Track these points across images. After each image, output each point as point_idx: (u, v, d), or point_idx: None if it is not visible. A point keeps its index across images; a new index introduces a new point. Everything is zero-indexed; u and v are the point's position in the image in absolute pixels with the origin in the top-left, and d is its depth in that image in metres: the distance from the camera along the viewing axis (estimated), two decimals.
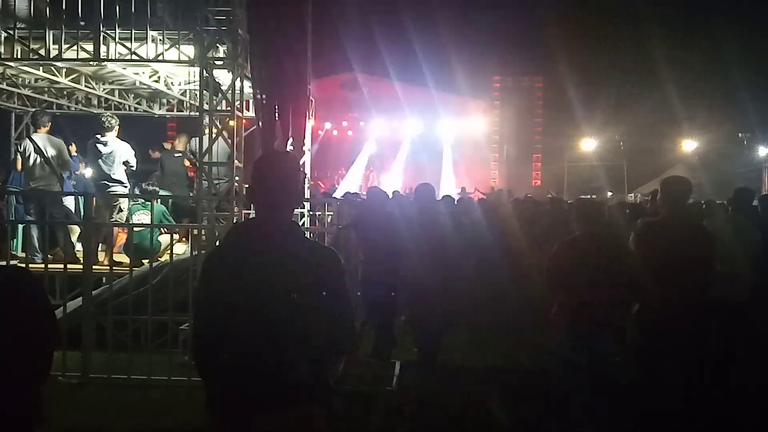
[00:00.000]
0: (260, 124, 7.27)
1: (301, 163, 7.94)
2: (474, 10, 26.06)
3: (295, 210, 7.50)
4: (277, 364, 2.33)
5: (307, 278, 2.37)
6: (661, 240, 4.38)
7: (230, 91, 7.13)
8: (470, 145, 22.66)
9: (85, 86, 9.43)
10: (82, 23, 7.35)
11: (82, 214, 7.59)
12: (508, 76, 24.02)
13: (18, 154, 8.75)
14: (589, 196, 18.09)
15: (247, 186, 2.56)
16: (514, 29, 25.53)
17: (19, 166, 8.79)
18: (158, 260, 7.10)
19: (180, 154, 9.97)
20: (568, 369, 4.46)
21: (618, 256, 4.38)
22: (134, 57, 7.37)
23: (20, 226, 8.16)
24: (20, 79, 9.45)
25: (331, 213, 8.69)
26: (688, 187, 4.64)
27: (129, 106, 11.26)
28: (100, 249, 7.95)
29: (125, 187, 8.39)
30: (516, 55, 25.29)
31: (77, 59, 7.52)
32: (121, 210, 8.20)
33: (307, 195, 9.13)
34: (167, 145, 11.29)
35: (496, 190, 17.01)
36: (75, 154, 10.41)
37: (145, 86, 9.73)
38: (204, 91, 7.14)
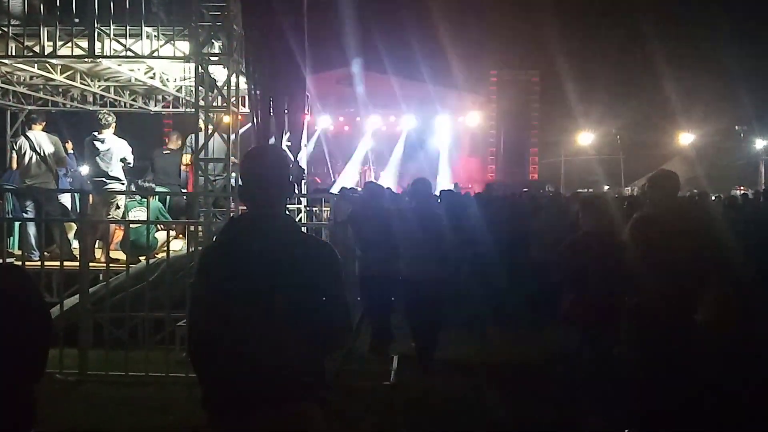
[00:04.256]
0: (255, 119, 7.26)
1: (298, 158, 7.94)
2: (470, 4, 26.00)
3: (290, 204, 7.48)
4: (274, 360, 2.33)
5: (304, 273, 2.36)
6: (657, 234, 4.38)
7: (226, 87, 7.11)
8: (467, 140, 22.67)
9: (81, 83, 9.38)
10: (77, 20, 7.30)
11: (78, 211, 7.57)
12: (504, 70, 24.01)
13: (13, 151, 8.71)
14: (586, 190, 18.11)
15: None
16: (511, 23, 25.48)
17: (15, 164, 8.76)
18: (155, 257, 7.09)
19: (168, 152, 9.92)
20: (574, 362, 4.49)
21: (623, 252, 4.39)
22: (129, 53, 7.34)
23: (16, 224, 8.13)
24: (15, 77, 9.40)
25: (328, 208, 8.69)
26: (677, 181, 4.66)
27: (125, 103, 11.22)
28: (96, 246, 7.93)
29: (122, 184, 8.36)
30: (513, 49, 25.27)
31: (72, 56, 7.48)
32: (118, 207, 8.18)
33: (304, 190, 9.12)
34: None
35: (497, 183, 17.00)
36: (71, 151, 10.38)
37: (140, 83, 9.69)
38: (199, 87, 7.12)
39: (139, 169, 9.53)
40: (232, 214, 6.67)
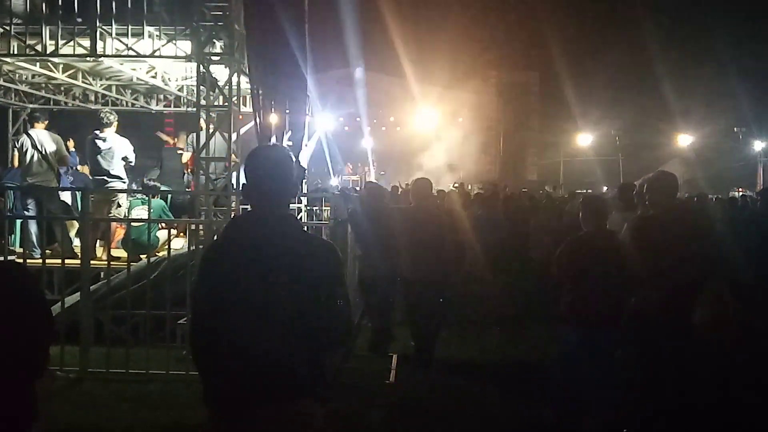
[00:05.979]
0: (257, 119, 7.28)
1: (299, 158, 7.95)
2: (471, 7, 26.03)
3: (292, 204, 7.48)
4: (275, 358, 2.34)
5: (306, 272, 2.37)
6: (656, 235, 4.41)
7: (227, 87, 7.13)
8: (467, 140, 22.72)
9: (83, 82, 9.40)
10: (79, 19, 7.32)
11: (79, 209, 7.59)
12: (504, 72, 24.08)
13: (15, 150, 8.74)
14: (585, 191, 18.15)
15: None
16: (511, 25, 25.51)
17: (17, 162, 8.77)
18: (156, 255, 7.11)
19: (181, 152, 9.97)
20: (572, 362, 4.51)
21: (623, 252, 4.42)
22: (131, 53, 7.36)
23: (18, 222, 8.15)
24: (17, 75, 9.43)
25: (328, 207, 8.72)
26: (675, 182, 4.69)
27: (126, 102, 11.24)
28: (98, 244, 7.95)
29: (124, 182, 8.38)
30: (513, 50, 25.31)
31: (74, 55, 7.50)
32: (119, 205, 8.20)
33: (305, 190, 9.15)
34: (164, 137, 11.26)
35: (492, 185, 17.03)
36: (73, 149, 10.40)
37: (142, 82, 9.71)
38: (201, 87, 7.14)
39: (141, 167, 9.56)
40: (233, 213, 6.69)
